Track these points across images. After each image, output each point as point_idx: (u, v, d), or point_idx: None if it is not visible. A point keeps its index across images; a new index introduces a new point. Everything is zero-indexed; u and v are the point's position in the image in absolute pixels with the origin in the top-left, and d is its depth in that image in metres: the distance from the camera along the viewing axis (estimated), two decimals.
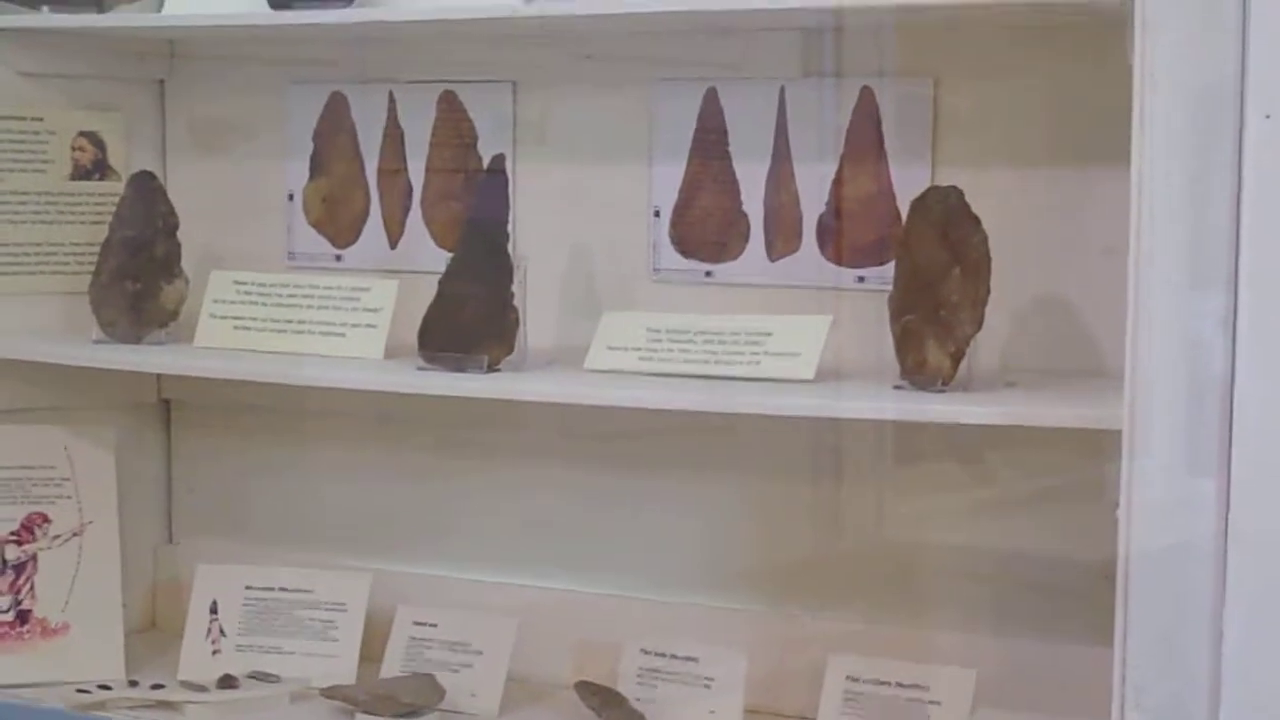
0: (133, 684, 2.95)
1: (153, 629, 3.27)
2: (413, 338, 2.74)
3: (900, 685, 2.63)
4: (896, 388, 2.47)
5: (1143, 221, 2.05)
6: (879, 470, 2.76)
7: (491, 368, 2.68)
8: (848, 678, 2.66)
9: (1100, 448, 2.21)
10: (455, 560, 3.08)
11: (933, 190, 2.50)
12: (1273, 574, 2.02)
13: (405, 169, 3.08)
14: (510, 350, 2.69)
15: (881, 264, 2.69)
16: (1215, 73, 2.00)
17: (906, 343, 2.47)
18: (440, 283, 2.74)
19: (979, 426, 2.42)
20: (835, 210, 2.77)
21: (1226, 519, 2.03)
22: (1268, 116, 1.98)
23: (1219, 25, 1.99)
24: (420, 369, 2.72)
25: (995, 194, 2.57)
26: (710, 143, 2.85)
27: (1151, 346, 2.06)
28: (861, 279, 2.74)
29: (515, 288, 2.71)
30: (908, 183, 2.66)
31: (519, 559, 3.03)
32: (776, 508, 2.84)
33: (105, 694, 2.90)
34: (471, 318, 2.70)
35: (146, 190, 3.02)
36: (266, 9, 2.87)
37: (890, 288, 2.52)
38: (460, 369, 2.68)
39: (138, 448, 3.25)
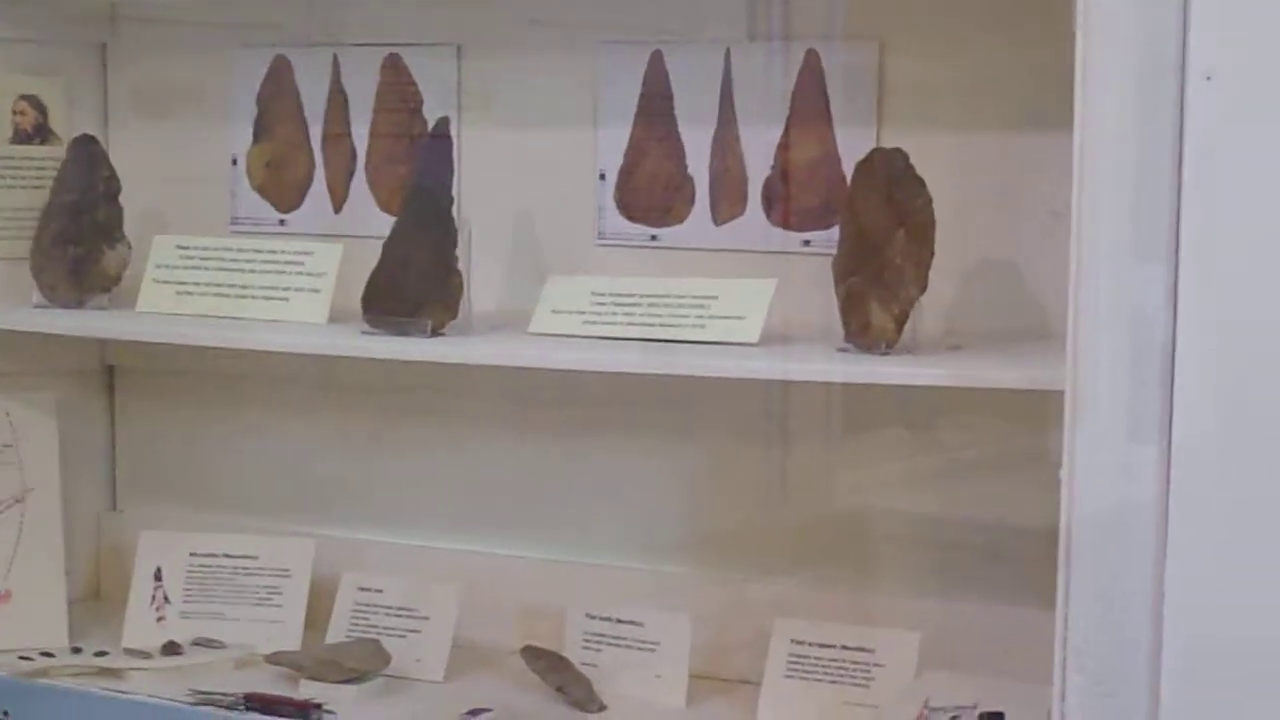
0: (76, 651, 2.94)
1: (97, 597, 3.25)
2: (357, 303, 2.73)
3: (845, 648, 2.63)
4: (841, 350, 2.47)
5: (1085, 185, 2.04)
6: (824, 434, 2.76)
7: (435, 332, 2.67)
8: (792, 641, 2.66)
9: (1044, 411, 2.20)
10: (400, 526, 3.07)
11: (877, 152, 2.49)
12: (1213, 538, 2.03)
13: (349, 133, 3.07)
14: (454, 315, 2.68)
15: (827, 228, 2.68)
16: (1157, 34, 1.99)
17: (851, 305, 2.46)
18: (384, 247, 2.73)
19: (925, 390, 2.42)
20: (781, 174, 2.76)
21: (1168, 483, 2.03)
22: (1208, 78, 1.98)
23: None
24: (364, 333, 2.70)
25: (941, 157, 2.56)
26: (655, 106, 2.84)
27: (1094, 310, 2.05)
28: (807, 242, 2.74)
29: (459, 252, 2.70)
30: (853, 146, 2.65)
31: (463, 525, 3.02)
32: (722, 472, 2.84)
33: (48, 661, 2.89)
34: (415, 282, 2.69)
35: (88, 154, 3.00)
36: None
37: (835, 251, 2.52)
38: (404, 333, 2.67)
39: (81, 414, 3.23)
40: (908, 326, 2.45)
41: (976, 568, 2.67)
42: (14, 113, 3.12)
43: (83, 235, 2.96)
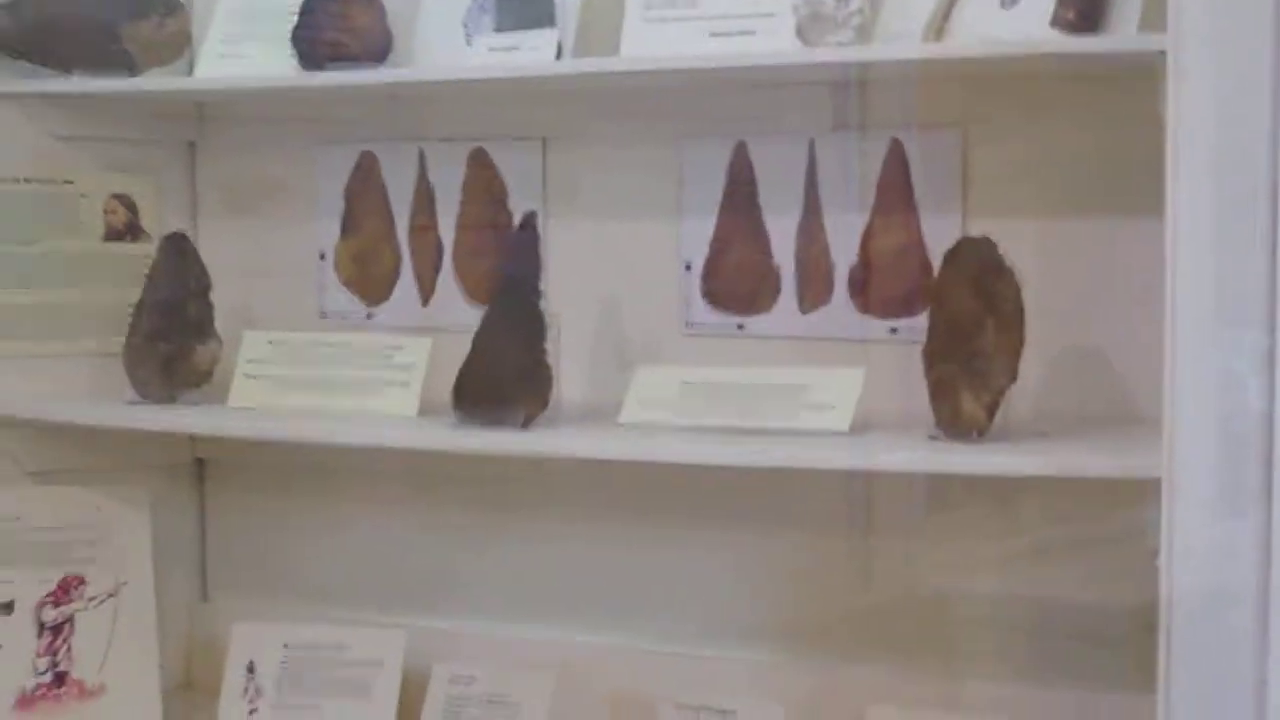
0: None
1: (189, 687, 3.27)
2: (445, 395, 2.74)
3: None
4: (931, 438, 2.48)
5: (1177, 267, 2.05)
6: (913, 521, 2.76)
7: (526, 424, 2.69)
8: None
9: (1136, 494, 2.20)
10: (491, 615, 3.08)
11: (966, 241, 2.51)
12: None
13: (436, 226, 3.10)
14: (544, 406, 2.70)
15: (913, 315, 2.69)
16: (1247, 120, 2.01)
17: (941, 393, 2.47)
18: (474, 340, 2.75)
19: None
20: (866, 262, 2.78)
21: (1269, 564, 2.03)
22: None
23: (1251, 73, 2.00)
24: (454, 426, 2.72)
25: (1026, 244, 2.57)
26: (740, 196, 2.86)
27: (1189, 393, 2.06)
28: (894, 330, 2.75)
29: (548, 344, 2.72)
30: (938, 233, 2.67)
31: (555, 613, 3.03)
32: (812, 560, 2.84)
33: None
34: (505, 374, 2.71)
35: (179, 251, 3.04)
36: (296, 70, 2.89)
37: (922, 339, 2.53)
38: (496, 425, 2.69)
39: (172, 507, 3.26)
40: (998, 414, 2.45)
41: (1068, 653, 2.66)
42: (106, 211, 3.18)
43: (174, 331, 2.99)
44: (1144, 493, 2.14)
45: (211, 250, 3.16)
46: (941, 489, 2.72)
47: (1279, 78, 1.99)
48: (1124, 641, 2.47)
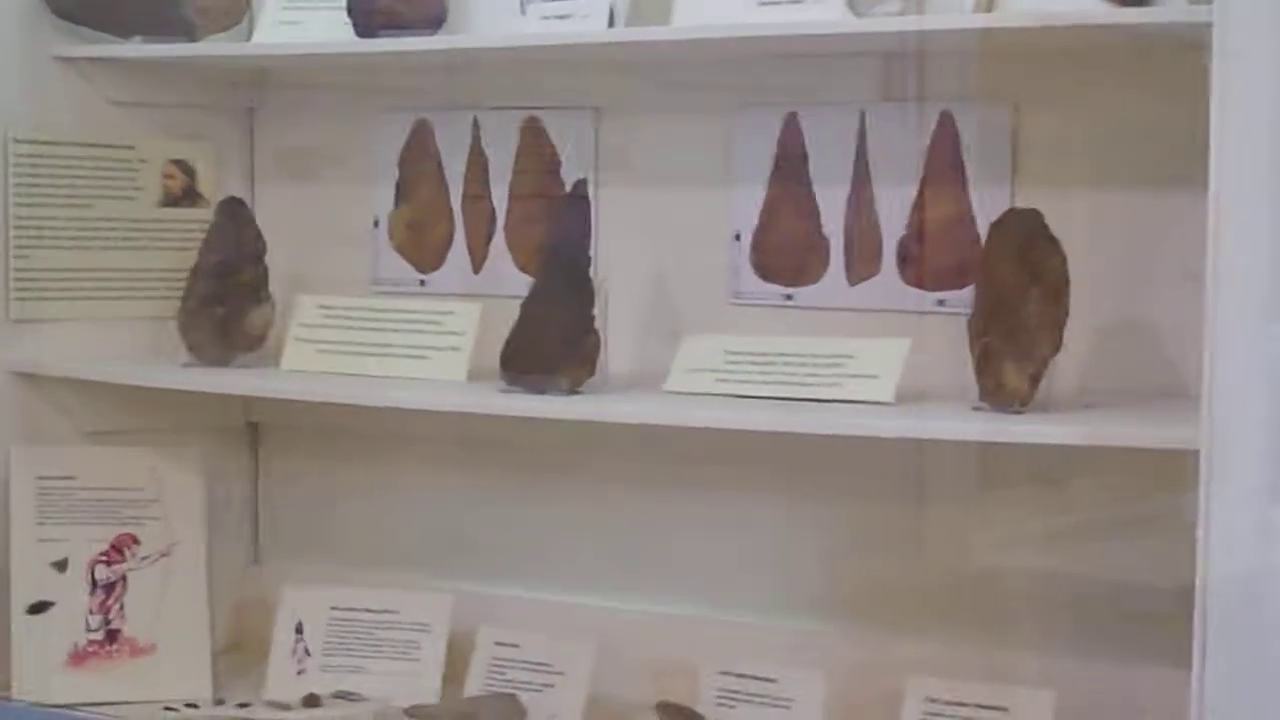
0: (219, 703, 3.00)
1: (239, 648, 3.29)
2: (496, 361, 2.77)
3: (979, 707, 2.63)
4: (975, 409, 2.48)
5: (1220, 243, 2.06)
6: (959, 492, 2.76)
7: (572, 390, 2.70)
8: (927, 699, 2.66)
9: (1182, 471, 2.20)
10: (537, 581, 3.10)
11: (1011, 213, 2.51)
12: None
13: (489, 195, 3.12)
14: (591, 373, 2.72)
15: (961, 287, 2.69)
16: None
17: (985, 365, 2.48)
18: (522, 307, 2.77)
19: (1061, 448, 2.42)
20: (915, 234, 2.78)
21: None
22: None
23: None
24: (502, 391, 2.74)
25: (1076, 216, 2.58)
26: (790, 167, 2.87)
27: (1229, 369, 2.07)
28: (942, 302, 2.76)
29: (596, 311, 2.73)
30: (988, 206, 2.67)
31: (600, 580, 3.05)
32: (856, 530, 2.85)
33: (192, 712, 2.95)
34: (553, 341, 2.72)
35: (235, 216, 3.07)
36: (351, 37, 2.91)
37: (970, 311, 2.53)
38: (541, 391, 2.71)
39: (226, 470, 3.29)
40: (1042, 385, 2.45)
41: (1113, 627, 2.66)
42: (164, 176, 3.21)
43: (229, 295, 3.02)
44: (1190, 470, 2.14)
45: (268, 216, 3.19)
46: (992, 462, 2.72)
47: None
48: (1169, 617, 2.46)
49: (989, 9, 2.54)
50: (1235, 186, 2.04)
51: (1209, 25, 2.07)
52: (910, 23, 2.52)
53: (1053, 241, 2.47)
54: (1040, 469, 2.69)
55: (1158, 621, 2.52)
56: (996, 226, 2.50)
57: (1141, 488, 2.58)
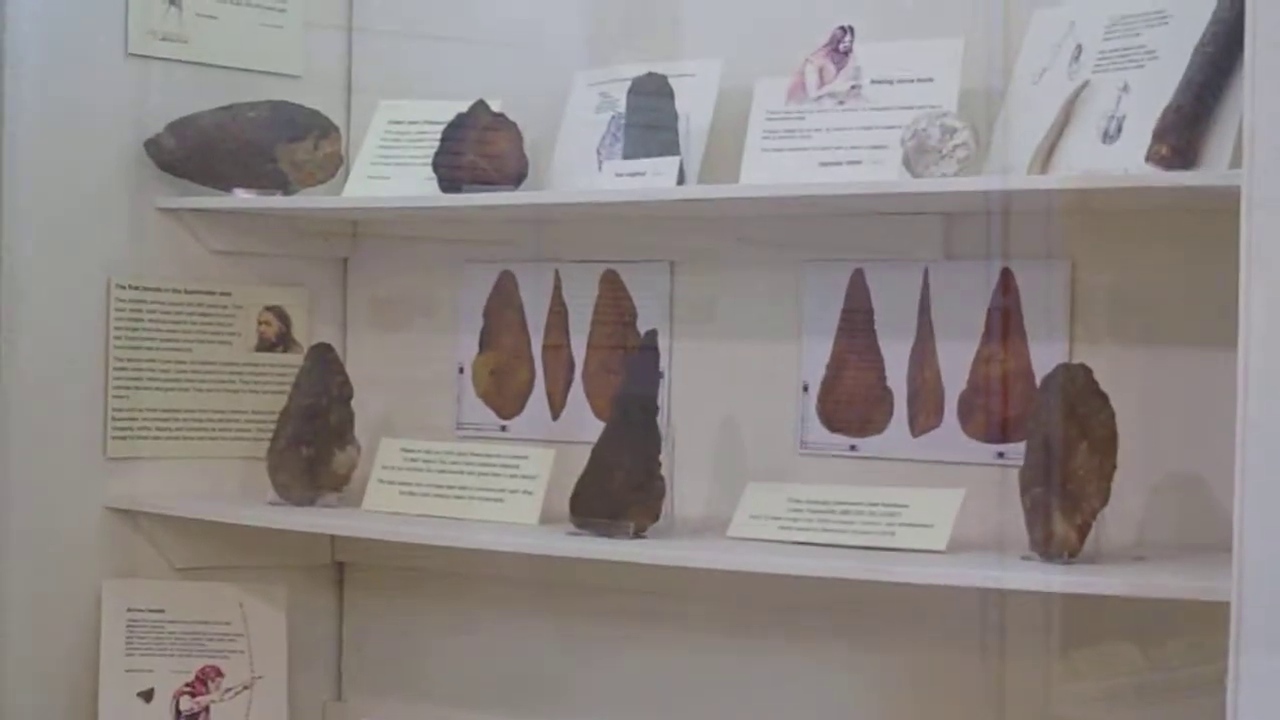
0: None
1: None
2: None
3: None
4: (1024, 559, 2.53)
5: (1249, 397, 2.10)
6: (1019, 644, 2.79)
7: (638, 534, 2.78)
8: None
9: None
10: None
11: (1062, 368, 2.56)
12: None
13: (568, 344, 3.22)
14: (656, 518, 2.80)
15: (1020, 441, 2.74)
16: None
17: (1035, 515, 2.52)
18: (592, 451, 2.86)
19: (1112, 602, 2.46)
20: (976, 388, 2.85)
21: None
22: None
23: None
24: (570, 534, 2.83)
25: (1131, 373, 2.63)
26: (856, 321, 2.94)
27: (1260, 520, 2.10)
28: (1001, 455, 2.80)
29: (663, 457, 2.82)
30: (1046, 362, 2.71)
31: None
32: (916, 679, 2.88)
33: None
34: (620, 485, 2.81)
35: (324, 361, 3.19)
36: (438, 191, 3.04)
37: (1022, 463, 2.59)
38: (607, 535, 2.79)
39: (310, 607, 3.39)
40: (1091, 537, 2.50)
41: None
42: (259, 323, 3.34)
43: (315, 437, 3.13)
44: None
45: (358, 361, 3.32)
46: (1060, 610, 2.74)
47: None
48: None
49: (1044, 170, 2.61)
50: (1263, 345, 2.08)
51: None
52: (963, 183, 2.58)
53: (1101, 396, 2.52)
54: (1106, 622, 2.72)
55: None
56: (1047, 381, 2.56)
57: (1201, 643, 2.59)
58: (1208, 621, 2.30)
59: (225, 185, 3.23)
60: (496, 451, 3.06)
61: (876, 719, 2.93)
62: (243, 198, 3.22)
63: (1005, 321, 2.82)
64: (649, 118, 2.92)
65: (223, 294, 3.30)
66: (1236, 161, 2.38)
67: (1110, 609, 2.57)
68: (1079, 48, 2.63)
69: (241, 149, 3.20)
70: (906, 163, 2.62)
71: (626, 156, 2.92)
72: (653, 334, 2.91)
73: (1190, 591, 2.33)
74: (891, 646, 2.89)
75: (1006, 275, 2.82)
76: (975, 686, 2.85)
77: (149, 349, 3.22)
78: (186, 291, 3.26)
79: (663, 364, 2.90)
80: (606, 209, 2.98)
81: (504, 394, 3.29)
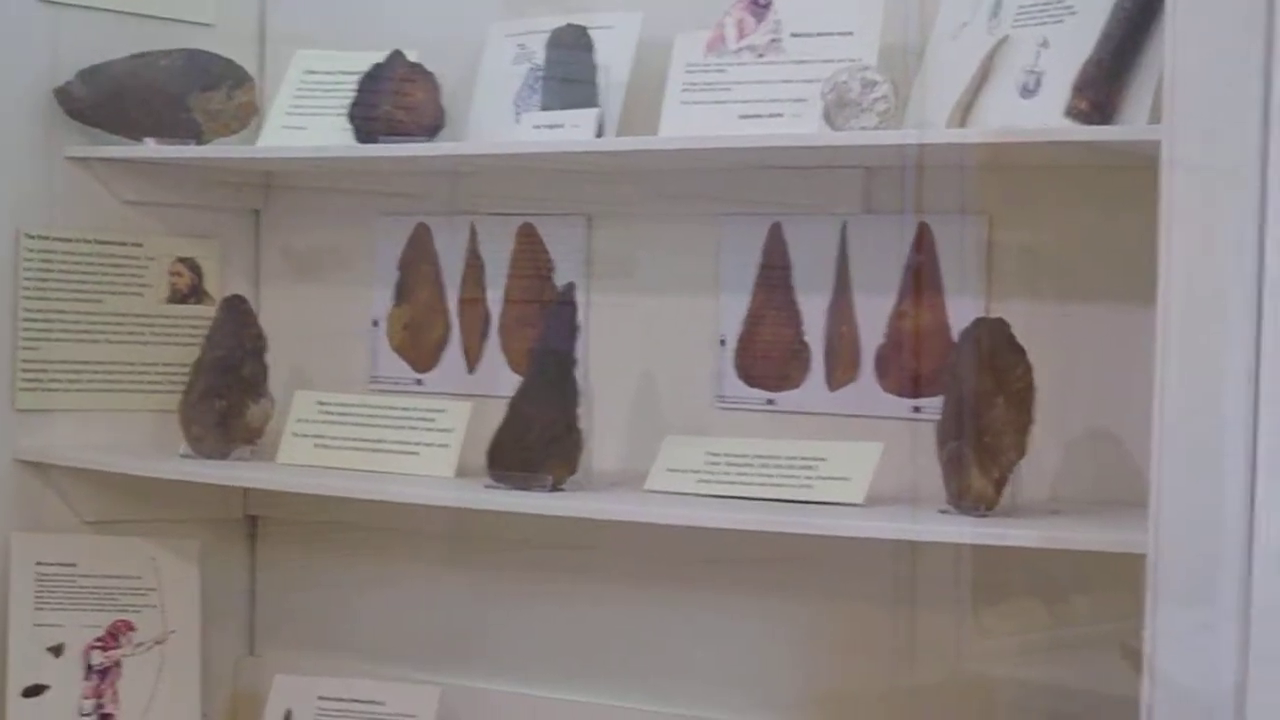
0: None
1: None
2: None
3: None
4: (941, 512, 2.54)
5: (1167, 354, 2.11)
6: (932, 595, 2.81)
7: (555, 487, 2.77)
8: None
9: None
10: (523, 676, 3.15)
11: (979, 321, 2.57)
12: None
13: (484, 297, 3.20)
14: (573, 471, 2.79)
15: (936, 394, 2.75)
16: (1236, 210, 2.07)
17: (952, 469, 2.53)
18: (509, 405, 2.84)
19: (1043, 554, 2.47)
20: (893, 342, 2.85)
21: (1248, 648, 2.07)
22: None
23: (1241, 161, 2.06)
24: (487, 487, 2.81)
25: (1047, 327, 2.64)
26: (774, 275, 2.94)
27: (1176, 475, 2.11)
28: (918, 409, 2.81)
29: (581, 411, 2.81)
30: (963, 316, 2.71)
31: (582, 676, 3.10)
32: (829, 630, 2.89)
33: None
34: (538, 439, 2.80)
35: (237, 313, 3.16)
36: (353, 142, 3.01)
37: (939, 416, 2.59)
38: (525, 488, 2.78)
39: (223, 561, 3.36)
40: (1007, 491, 2.51)
41: None
42: (171, 274, 3.30)
43: (229, 390, 3.11)
44: None
45: (272, 314, 3.29)
46: (973, 566, 2.76)
47: (1266, 169, 2.05)
48: None
49: (962, 125, 2.61)
50: (1181, 300, 2.09)
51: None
52: (881, 136, 2.58)
53: (1018, 350, 2.53)
54: (1020, 576, 2.74)
55: None
56: (965, 335, 2.57)
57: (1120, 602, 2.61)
58: (1123, 577, 2.33)
59: (137, 134, 3.19)
60: (412, 405, 3.04)
61: (792, 672, 2.94)
62: (154, 147, 3.18)
63: (922, 276, 2.83)
64: (567, 70, 2.90)
65: (134, 245, 3.26)
66: (1155, 117, 2.39)
67: (1026, 563, 2.59)
68: (998, 2, 2.62)
69: (154, 98, 3.16)
70: (826, 116, 2.62)
71: (544, 108, 2.91)
72: (570, 287, 2.90)
73: (1105, 544, 2.35)
74: (808, 600, 2.90)
75: (924, 230, 2.82)
76: (891, 639, 2.87)
77: (59, 300, 3.18)
78: (97, 242, 3.22)
79: (580, 318, 2.88)
80: (524, 161, 2.96)
81: (419, 347, 3.27)
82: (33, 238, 3.14)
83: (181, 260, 3.31)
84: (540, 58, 2.95)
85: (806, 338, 2.92)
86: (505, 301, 3.18)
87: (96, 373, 3.22)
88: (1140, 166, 2.44)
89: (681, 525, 2.68)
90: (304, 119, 3.15)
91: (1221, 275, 2.08)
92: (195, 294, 3.32)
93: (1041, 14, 2.56)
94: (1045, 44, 2.53)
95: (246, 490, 3.31)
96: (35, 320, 3.15)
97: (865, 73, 2.60)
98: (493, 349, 3.20)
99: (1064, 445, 2.69)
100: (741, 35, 2.80)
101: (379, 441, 3.01)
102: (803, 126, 2.67)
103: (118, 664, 3.13)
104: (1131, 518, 2.46)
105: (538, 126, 2.88)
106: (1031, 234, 2.75)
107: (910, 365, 2.84)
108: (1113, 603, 2.63)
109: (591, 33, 2.91)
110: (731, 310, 2.98)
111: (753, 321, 2.96)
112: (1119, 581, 2.43)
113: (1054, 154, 2.58)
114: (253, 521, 3.44)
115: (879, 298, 2.86)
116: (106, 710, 3.11)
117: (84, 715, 3.10)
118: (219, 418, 3.10)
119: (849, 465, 2.64)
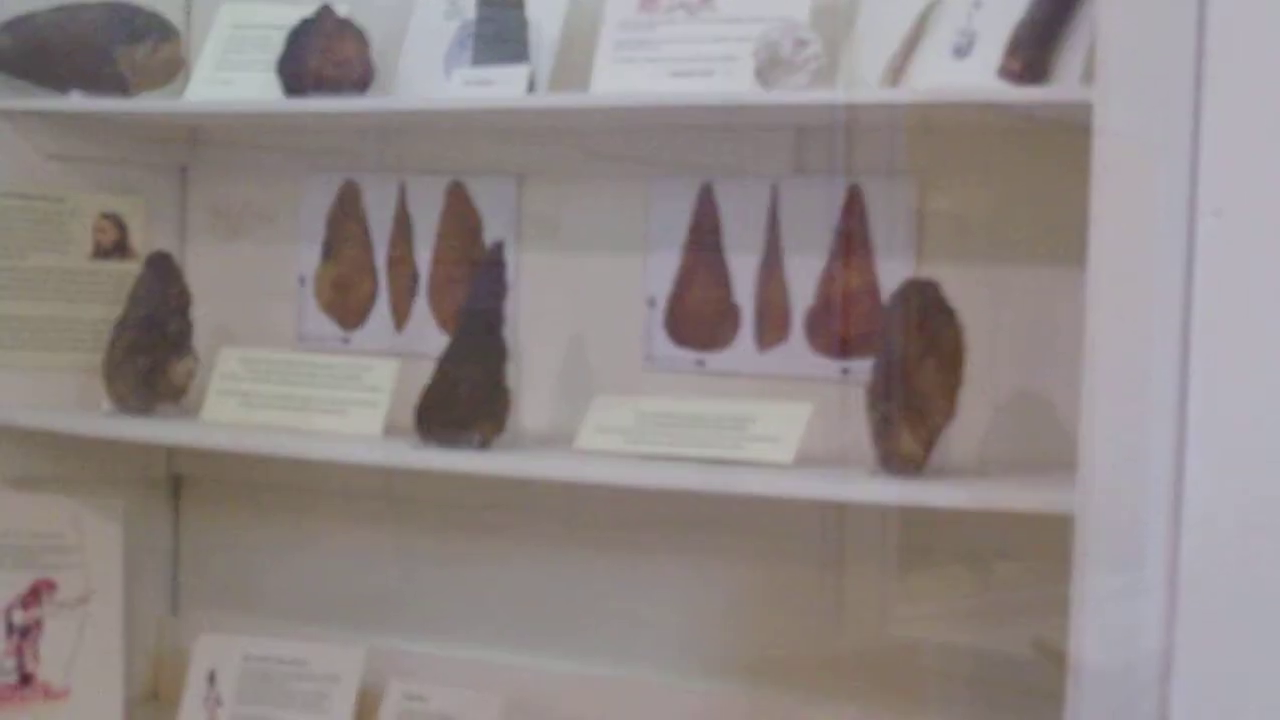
0: None
1: (155, 698, 3.33)
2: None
3: None
4: (871, 474, 2.54)
5: (1096, 318, 2.11)
6: (862, 556, 2.81)
7: (483, 446, 2.76)
8: None
9: None
10: (448, 637, 3.14)
11: (910, 283, 2.57)
12: (1218, 665, 2.07)
13: (413, 256, 3.18)
14: (501, 429, 2.78)
15: (866, 357, 2.74)
16: (1168, 171, 2.07)
17: (881, 430, 2.53)
18: (437, 364, 2.82)
19: (967, 516, 2.47)
20: (823, 303, 2.84)
21: (1174, 608, 2.08)
22: (1217, 213, 2.05)
23: (1172, 127, 2.06)
24: (415, 446, 2.80)
25: (977, 289, 2.64)
26: (704, 236, 2.93)
27: (1105, 437, 2.12)
28: (846, 370, 2.81)
29: (509, 370, 2.79)
30: (893, 278, 2.72)
31: (510, 637, 3.09)
32: (759, 591, 2.89)
33: None
34: (465, 398, 2.78)
35: (162, 270, 3.13)
36: (281, 97, 2.97)
37: (870, 378, 2.59)
38: (453, 446, 2.76)
39: (148, 521, 3.33)
40: (936, 452, 2.51)
41: (1013, 700, 2.69)
42: (95, 229, 3.26)
43: (153, 346, 3.08)
44: None
45: (198, 271, 3.26)
46: (901, 527, 2.76)
47: (1199, 130, 2.06)
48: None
49: (894, 85, 2.60)
50: (1110, 259, 2.10)
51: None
52: (813, 96, 2.57)
53: (949, 311, 2.53)
54: (949, 538, 2.74)
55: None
56: (895, 296, 2.56)
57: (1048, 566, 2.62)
58: (1051, 540, 2.33)
59: (61, 87, 3.14)
60: (339, 362, 3.02)
61: (720, 633, 2.93)
62: (79, 100, 3.13)
63: (852, 238, 2.82)
64: (498, 26, 2.87)
65: (57, 200, 3.22)
66: (1088, 79, 2.39)
67: (955, 526, 2.58)
68: None
69: (78, 50, 3.11)
70: (758, 75, 2.60)
71: (475, 65, 2.88)
72: (499, 246, 2.88)
73: (1033, 505, 2.35)
74: (737, 560, 2.90)
75: (854, 191, 2.81)
76: (819, 601, 2.87)
77: None
78: (20, 196, 3.17)
79: (509, 277, 2.86)
80: (454, 117, 2.94)
81: (346, 305, 3.24)
82: None
83: (106, 216, 3.27)
84: (471, 13, 2.92)
85: (736, 299, 2.91)
86: (434, 261, 3.16)
87: (18, 329, 3.17)
88: (1072, 129, 2.45)
89: (610, 484, 2.67)
90: (231, 73, 3.11)
91: (1151, 238, 2.09)
92: (120, 250, 3.28)
93: None
94: (978, 4, 2.53)
95: (170, 449, 3.29)
96: None
97: (797, 31, 2.59)
98: (421, 308, 3.17)
99: (993, 407, 2.69)
100: None
101: (305, 400, 2.99)
102: (734, 85, 2.65)
103: (39, 623, 3.10)
104: (1060, 479, 2.48)
105: (468, 83, 2.85)
106: (963, 196, 2.75)
107: (840, 327, 2.83)
108: (1041, 566, 2.64)
109: None
110: (661, 271, 2.96)
111: (683, 282, 2.95)
112: (1047, 545, 2.44)
113: (985, 115, 2.57)
114: (177, 480, 3.40)
115: (809, 259, 2.85)
116: (27, 669, 3.08)
117: (4, 674, 3.07)
118: (143, 375, 3.07)
119: (778, 426, 2.64)
